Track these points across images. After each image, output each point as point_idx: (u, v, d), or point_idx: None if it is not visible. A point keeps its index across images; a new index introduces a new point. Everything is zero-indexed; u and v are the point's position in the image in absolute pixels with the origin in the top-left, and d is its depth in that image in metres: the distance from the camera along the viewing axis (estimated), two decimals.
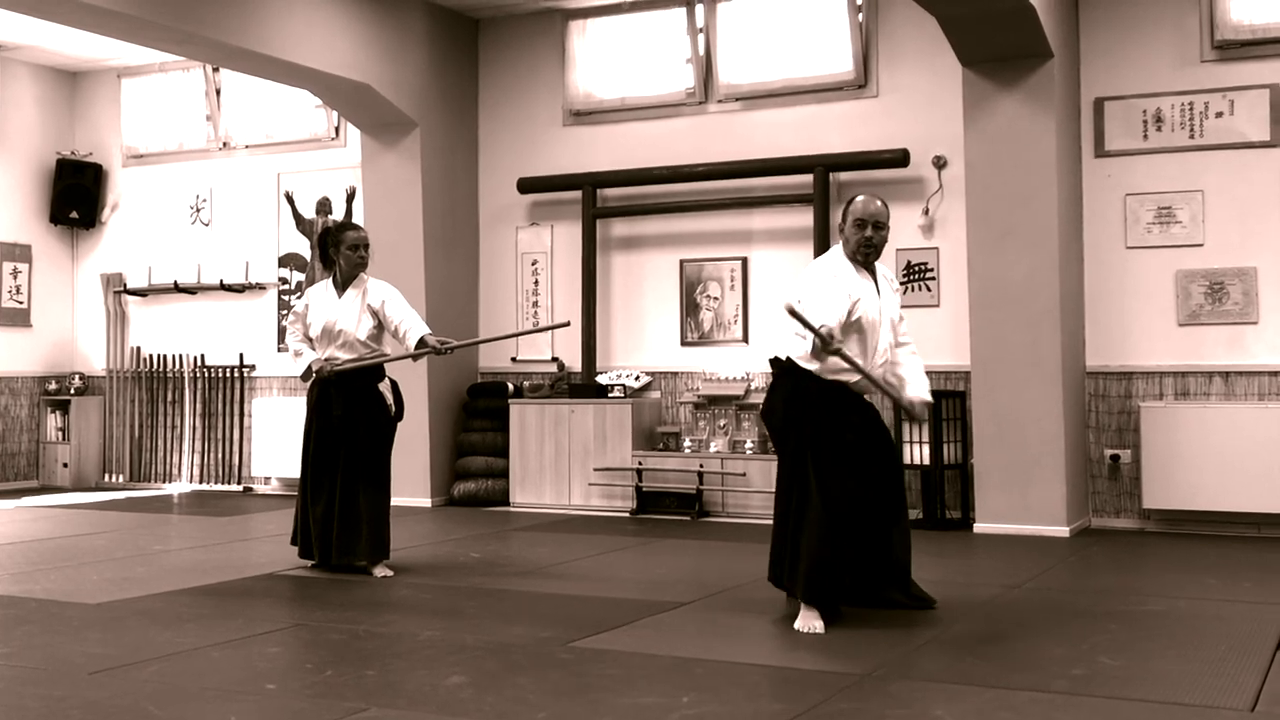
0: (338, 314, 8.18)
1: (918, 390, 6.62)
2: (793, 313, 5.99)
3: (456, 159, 12.49)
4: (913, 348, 6.78)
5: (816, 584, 6.30)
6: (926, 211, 10.74)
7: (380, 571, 8.03)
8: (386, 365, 8.34)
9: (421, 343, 8.04)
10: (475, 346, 12.41)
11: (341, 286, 8.27)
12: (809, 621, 6.25)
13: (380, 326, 8.24)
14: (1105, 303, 10.30)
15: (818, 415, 6.42)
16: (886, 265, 6.91)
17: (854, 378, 6.38)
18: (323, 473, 8.20)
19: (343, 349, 8.18)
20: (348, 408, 8.15)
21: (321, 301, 8.30)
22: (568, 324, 9.22)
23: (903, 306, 6.87)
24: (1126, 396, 10.21)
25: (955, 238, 10.51)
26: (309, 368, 8.26)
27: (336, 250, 8.26)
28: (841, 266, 6.48)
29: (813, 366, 6.37)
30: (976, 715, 4.76)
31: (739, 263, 11.59)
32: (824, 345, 6.02)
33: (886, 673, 5.40)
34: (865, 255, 6.49)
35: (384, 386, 8.28)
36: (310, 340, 8.33)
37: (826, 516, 6.28)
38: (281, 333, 13.55)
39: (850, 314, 6.30)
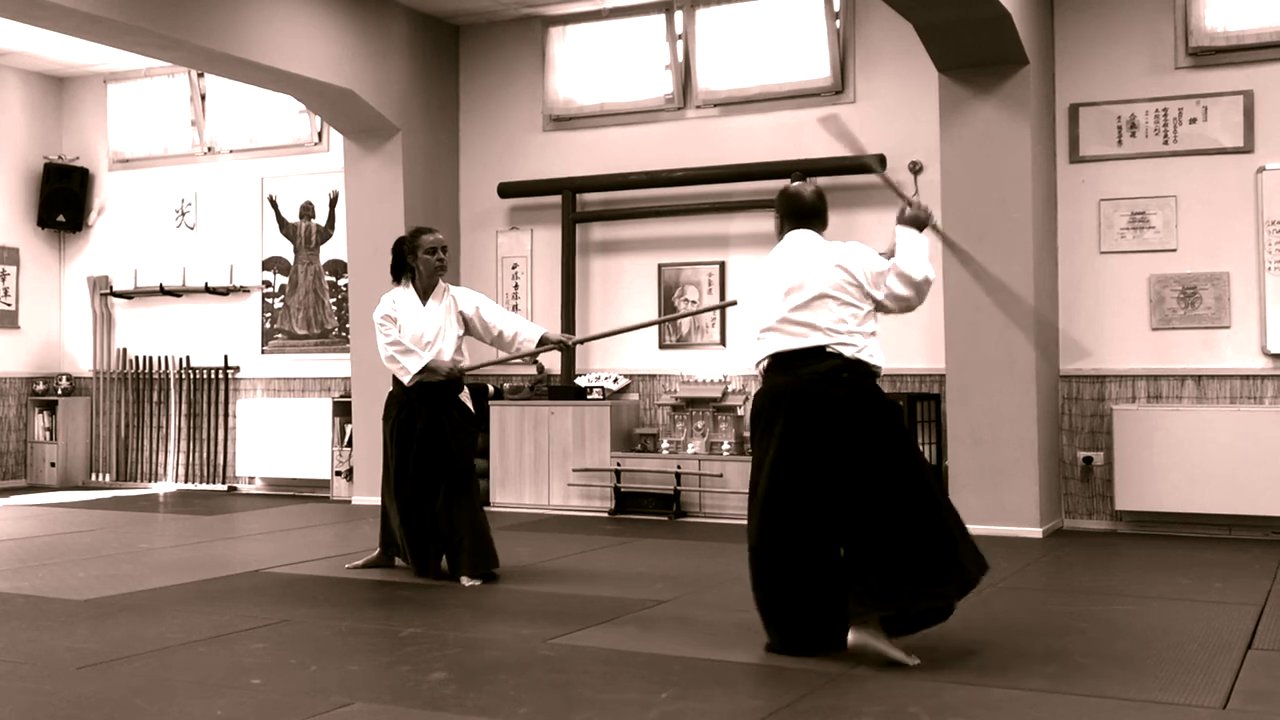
0: (425, 325, 7.91)
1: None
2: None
3: (438, 164, 12.57)
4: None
5: (767, 628, 5.96)
6: None
7: (469, 582, 7.71)
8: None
9: (544, 340, 7.90)
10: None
11: (422, 296, 8.01)
12: None
13: (465, 334, 8.02)
14: (1079, 307, 10.40)
15: (755, 432, 6.10)
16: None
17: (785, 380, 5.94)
18: (407, 485, 7.94)
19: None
20: (433, 418, 7.91)
21: (407, 311, 7.97)
22: (734, 303, 8.46)
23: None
24: (1099, 399, 10.31)
25: (931, 242, 10.56)
26: (426, 367, 7.84)
27: (414, 255, 7.98)
28: None
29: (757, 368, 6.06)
30: (952, 712, 4.82)
31: (717, 267, 11.68)
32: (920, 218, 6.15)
33: (863, 670, 5.43)
34: None
35: (464, 395, 8.06)
36: None
37: (749, 553, 6.00)
38: (265, 335, 13.63)
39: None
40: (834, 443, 5.68)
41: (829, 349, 5.77)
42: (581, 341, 7.82)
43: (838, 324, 5.81)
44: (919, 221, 6.21)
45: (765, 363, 5.96)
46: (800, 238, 6.09)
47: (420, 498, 7.92)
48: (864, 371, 5.83)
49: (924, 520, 5.64)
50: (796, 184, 6.43)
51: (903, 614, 5.69)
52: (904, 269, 5.95)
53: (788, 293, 5.89)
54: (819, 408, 5.72)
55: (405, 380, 7.92)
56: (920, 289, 5.97)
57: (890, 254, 6.07)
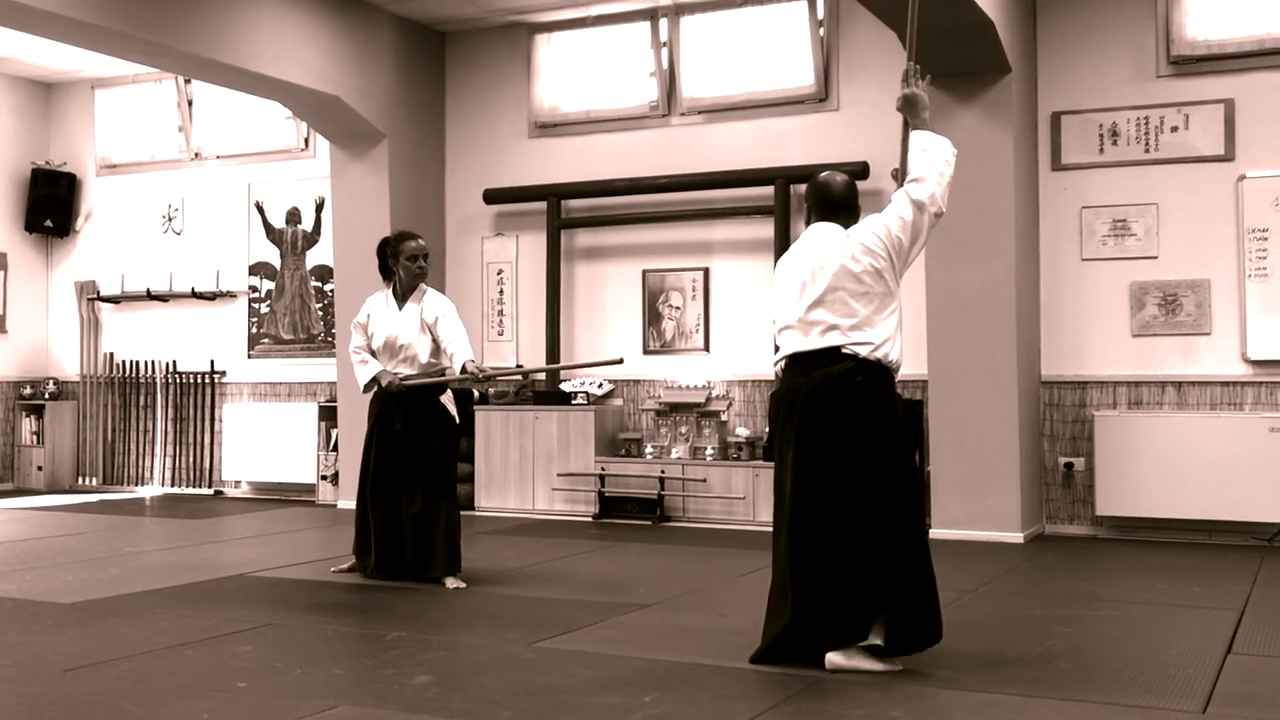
0: (399, 329, 7.97)
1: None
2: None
3: (423, 170, 12.60)
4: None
5: (766, 641, 5.78)
6: None
7: (454, 583, 7.77)
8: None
9: (463, 369, 7.80)
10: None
11: (401, 299, 8.07)
12: None
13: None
14: (1061, 313, 10.46)
15: (773, 431, 6.00)
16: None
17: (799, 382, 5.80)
18: (383, 486, 7.97)
19: (405, 364, 7.95)
20: (410, 420, 7.93)
21: (382, 313, 8.07)
22: (620, 361, 8.69)
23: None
24: (1081, 405, 10.37)
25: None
26: (374, 379, 7.98)
27: (396, 260, 8.03)
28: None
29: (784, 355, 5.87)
30: (934, 716, 4.86)
31: (700, 273, 11.72)
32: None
33: (845, 674, 5.45)
34: None
35: (446, 398, 8.06)
36: (372, 351, 8.06)
37: (782, 561, 5.76)
38: (252, 340, 13.66)
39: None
40: (844, 451, 5.55)
41: (844, 349, 5.59)
42: (490, 377, 7.79)
43: (853, 318, 5.60)
44: (909, 106, 5.91)
45: (783, 363, 5.82)
46: (819, 231, 5.87)
47: (395, 497, 7.96)
48: (880, 374, 5.61)
49: (911, 549, 5.56)
50: (825, 174, 6.11)
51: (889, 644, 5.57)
52: (907, 181, 5.75)
53: (802, 289, 5.74)
54: (828, 414, 5.59)
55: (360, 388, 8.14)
56: (923, 186, 5.72)
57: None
